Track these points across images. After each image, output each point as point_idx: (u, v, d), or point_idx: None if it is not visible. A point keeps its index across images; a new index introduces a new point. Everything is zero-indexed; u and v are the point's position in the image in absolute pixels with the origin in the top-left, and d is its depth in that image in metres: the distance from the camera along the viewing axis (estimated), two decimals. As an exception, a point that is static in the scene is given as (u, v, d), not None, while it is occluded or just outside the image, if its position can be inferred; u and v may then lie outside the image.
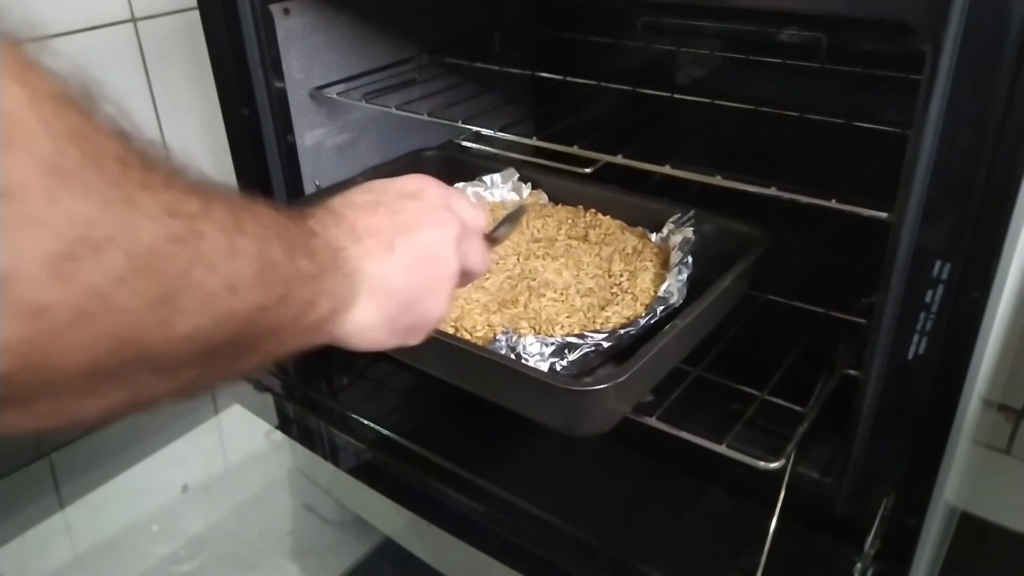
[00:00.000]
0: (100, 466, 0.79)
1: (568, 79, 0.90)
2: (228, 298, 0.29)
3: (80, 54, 0.89)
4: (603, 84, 0.87)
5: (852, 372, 0.67)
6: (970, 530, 0.88)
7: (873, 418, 0.59)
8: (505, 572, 0.63)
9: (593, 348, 0.66)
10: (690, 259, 0.74)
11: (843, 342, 0.70)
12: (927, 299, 0.53)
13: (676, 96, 0.84)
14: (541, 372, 0.62)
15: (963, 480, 0.72)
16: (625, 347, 0.67)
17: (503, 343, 0.65)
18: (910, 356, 0.55)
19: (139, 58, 0.90)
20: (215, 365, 0.31)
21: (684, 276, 0.72)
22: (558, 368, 0.65)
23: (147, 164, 0.26)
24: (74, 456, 0.80)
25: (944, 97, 0.47)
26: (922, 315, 0.53)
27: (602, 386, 0.56)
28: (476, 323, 0.71)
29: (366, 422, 0.80)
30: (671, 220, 0.82)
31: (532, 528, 0.67)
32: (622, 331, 0.67)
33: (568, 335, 0.67)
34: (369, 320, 0.40)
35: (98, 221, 0.24)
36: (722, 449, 0.61)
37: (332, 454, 0.80)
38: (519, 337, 0.65)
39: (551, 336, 0.67)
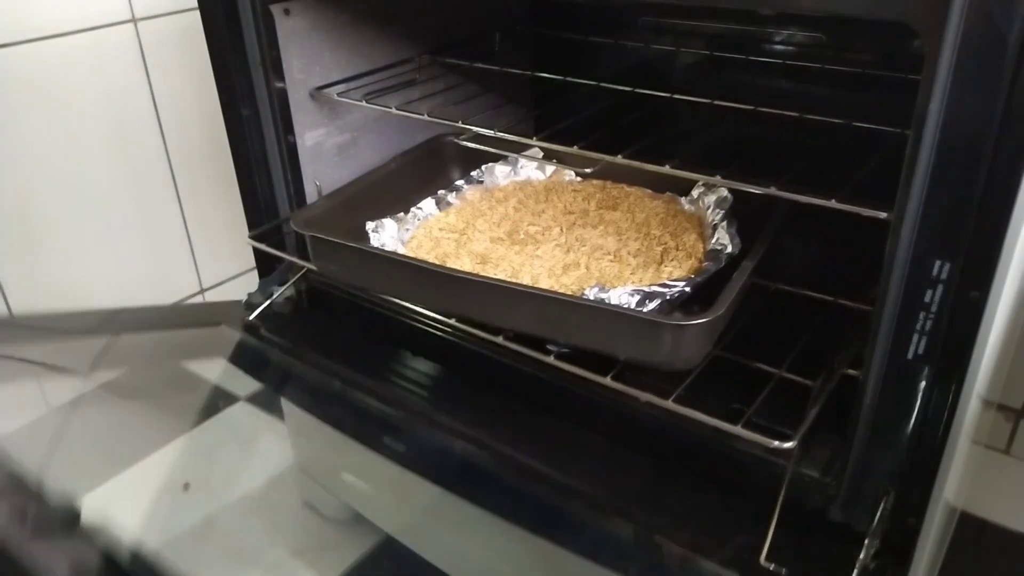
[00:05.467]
0: (100, 465, 0.79)
1: (568, 79, 0.90)
2: None
3: (80, 54, 0.89)
4: (603, 84, 0.87)
5: (852, 372, 0.67)
6: (970, 530, 0.89)
7: (873, 418, 0.59)
8: (505, 565, 0.64)
9: (677, 294, 0.69)
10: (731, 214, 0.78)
11: (844, 343, 0.70)
12: (926, 299, 0.53)
13: (676, 96, 0.84)
14: (652, 314, 0.66)
15: (963, 480, 0.72)
16: (686, 299, 0.70)
17: (592, 295, 0.68)
18: (910, 356, 0.55)
19: (139, 58, 0.90)
20: None
21: (735, 228, 0.76)
22: None
23: None
24: (74, 455, 0.80)
25: (943, 97, 0.47)
26: (921, 315, 0.53)
27: (704, 319, 0.61)
28: (552, 286, 0.73)
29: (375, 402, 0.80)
30: (700, 183, 0.84)
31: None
32: (699, 278, 0.70)
33: (650, 285, 0.70)
34: None
35: None
36: (737, 430, 0.61)
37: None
38: (606, 290, 0.68)
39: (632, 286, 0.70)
